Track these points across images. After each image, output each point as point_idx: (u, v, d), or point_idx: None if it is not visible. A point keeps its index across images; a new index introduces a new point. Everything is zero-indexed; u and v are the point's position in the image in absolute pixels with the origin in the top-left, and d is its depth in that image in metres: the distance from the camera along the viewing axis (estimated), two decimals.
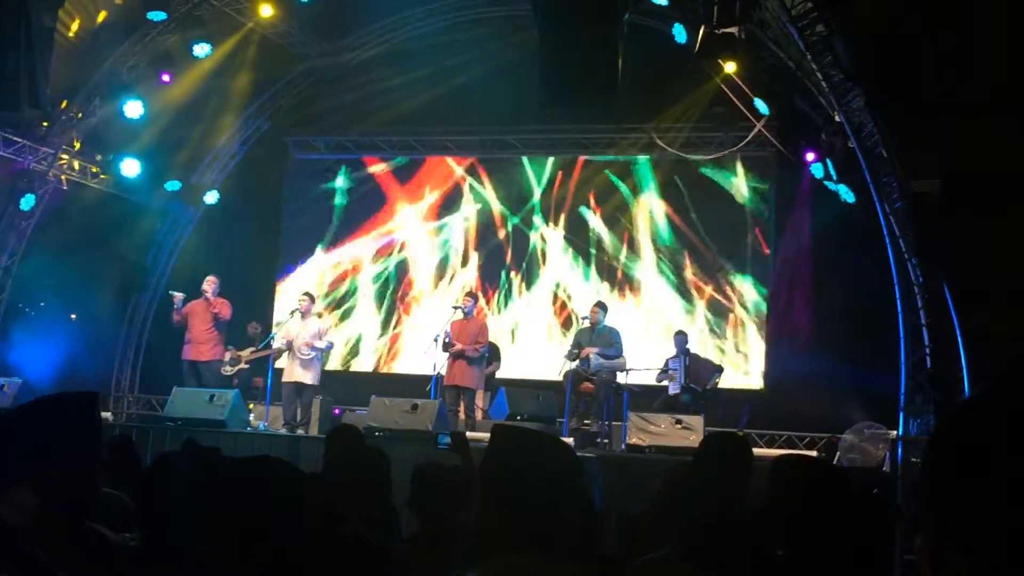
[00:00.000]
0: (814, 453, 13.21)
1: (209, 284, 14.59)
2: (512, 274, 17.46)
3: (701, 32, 11.79)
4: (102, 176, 16.15)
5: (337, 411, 14.99)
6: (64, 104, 15.21)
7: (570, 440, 12.56)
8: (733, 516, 3.58)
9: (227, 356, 15.12)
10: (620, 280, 16.89)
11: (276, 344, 14.59)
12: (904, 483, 11.83)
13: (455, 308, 14.43)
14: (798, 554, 3.18)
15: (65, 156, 15.68)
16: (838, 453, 12.57)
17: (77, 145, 15.72)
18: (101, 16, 14.85)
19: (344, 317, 18.04)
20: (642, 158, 16.87)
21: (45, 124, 15.01)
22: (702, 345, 15.80)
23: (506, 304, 17.40)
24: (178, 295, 14.68)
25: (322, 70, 17.23)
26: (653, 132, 16.26)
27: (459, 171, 17.92)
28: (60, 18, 13.35)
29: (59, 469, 3.11)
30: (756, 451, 10.07)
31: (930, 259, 11.91)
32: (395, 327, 17.89)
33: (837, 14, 11.74)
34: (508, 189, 17.64)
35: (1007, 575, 1.21)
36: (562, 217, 17.30)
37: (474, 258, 17.68)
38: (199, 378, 14.50)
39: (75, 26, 14.46)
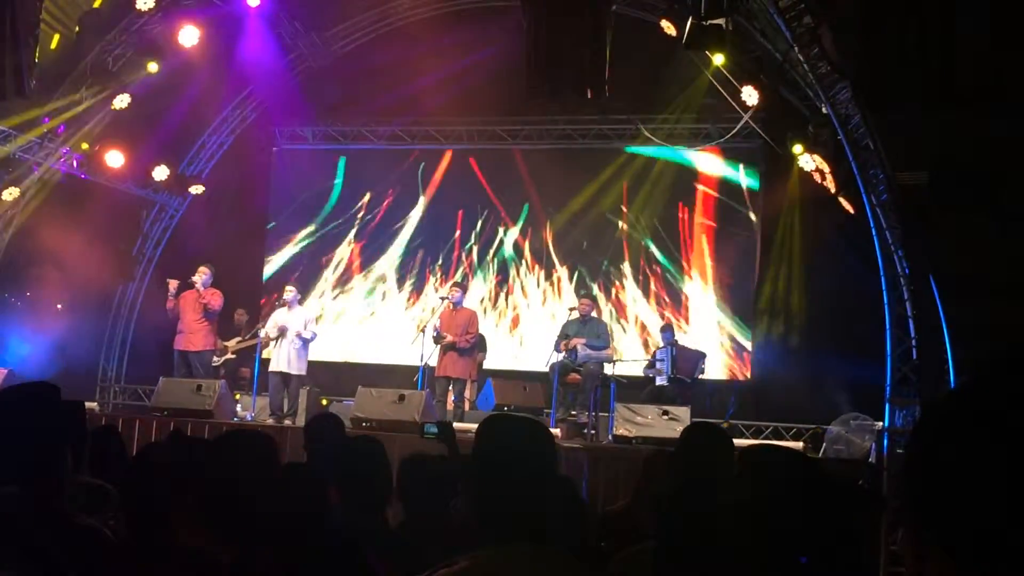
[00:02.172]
0: (799, 444, 13.25)
1: (199, 274, 14.52)
2: (500, 264, 17.46)
3: (689, 23, 11.79)
4: (88, 165, 16.07)
5: (326, 402, 15.00)
6: (50, 93, 15.13)
7: (557, 431, 12.60)
8: (715, 510, 3.58)
9: (216, 347, 15.10)
10: (610, 272, 16.89)
11: (262, 334, 14.57)
12: (890, 474, 11.88)
13: (443, 299, 14.44)
14: (776, 546, 3.18)
15: (51, 145, 15.59)
16: (824, 444, 12.62)
17: (63, 135, 15.63)
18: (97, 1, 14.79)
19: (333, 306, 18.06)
20: (629, 148, 16.86)
21: (31, 114, 14.92)
22: (689, 336, 15.83)
23: (495, 294, 17.40)
24: (173, 283, 14.64)
25: (310, 60, 17.17)
26: (640, 123, 16.27)
27: (447, 160, 17.91)
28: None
29: (30, 457, 3.11)
30: (742, 442, 10.10)
31: (916, 251, 11.95)
32: (385, 317, 17.90)
33: (824, 6, 11.76)
34: (497, 179, 17.62)
35: (991, 573, 1.21)
36: (552, 209, 17.28)
37: (462, 248, 17.66)
38: (189, 368, 14.47)
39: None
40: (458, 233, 17.70)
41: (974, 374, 1.30)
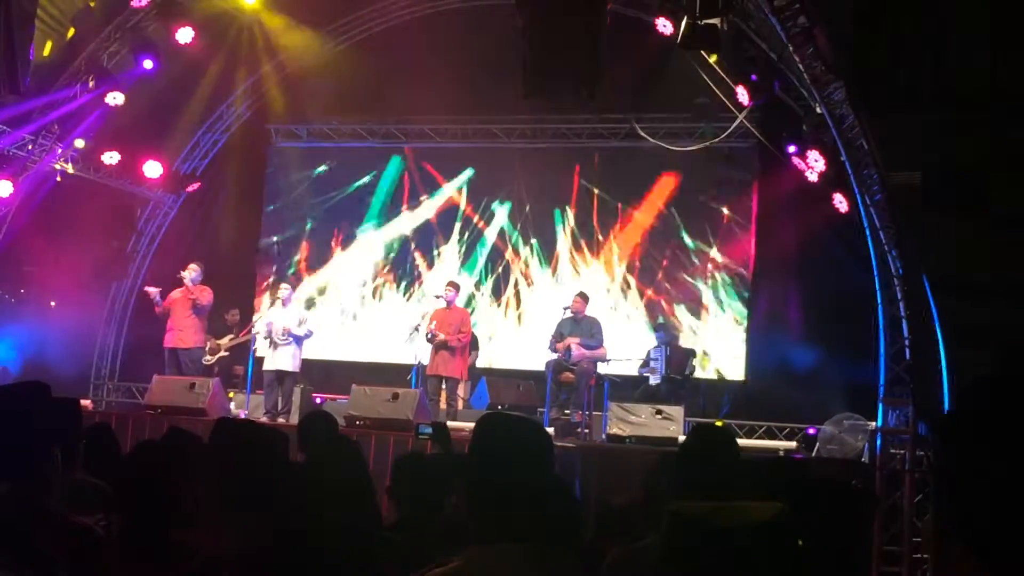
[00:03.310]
0: (793, 444, 13.28)
1: (189, 271, 14.51)
2: (492, 263, 17.45)
3: (684, 23, 11.79)
4: (83, 162, 16.05)
5: (320, 399, 15.00)
6: (44, 90, 15.10)
7: (550, 430, 12.61)
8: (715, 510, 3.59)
9: (207, 345, 15.08)
10: (601, 271, 16.89)
11: (256, 331, 14.56)
12: (882, 474, 11.90)
13: (437, 297, 14.44)
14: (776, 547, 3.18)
15: (45, 142, 15.56)
16: (817, 444, 12.64)
17: (58, 132, 15.59)
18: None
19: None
20: (622, 147, 16.85)
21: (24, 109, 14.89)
22: (684, 336, 15.85)
23: (488, 294, 17.40)
24: (153, 291, 14.58)
25: (305, 57, 17.14)
26: (635, 123, 16.26)
27: (440, 156, 17.92)
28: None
29: (19, 456, 3.11)
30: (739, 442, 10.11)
31: (910, 251, 11.96)
32: (379, 314, 17.90)
33: (819, 6, 11.76)
34: (492, 178, 17.61)
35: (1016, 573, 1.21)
36: (546, 208, 17.29)
37: (456, 247, 17.65)
38: (179, 366, 14.46)
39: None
40: (448, 229, 17.70)
41: (1001, 375, 1.30)
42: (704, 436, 4.90)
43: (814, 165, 13.27)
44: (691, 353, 14.72)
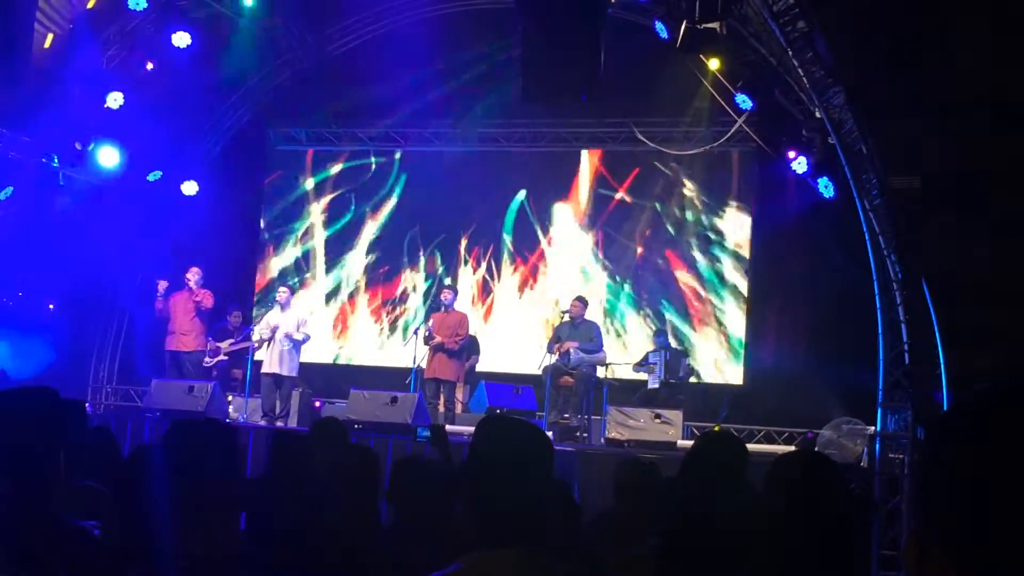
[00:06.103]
0: (791, 448, 13.27)
1: (192, 274, 14.62)
2: (492, 266, 17.45)
3: (683, 27, 11.80)
4: (81, 165, 16.02)
5: (319, 403, 14.99)
6: (43, 93, 15.07)
7: (549, 434, 12.58)
8: (723, 514, 3.60)
9: (207, 348, 15.09)
10: (600, 274, 16.89)
11: (256, 335, 14.57)
12: (881, 479, 11.90)
13: (436, 300, 14.47)
14: (785, 551, 3.19)
15: (44, 145, 15.53)
16: (816, 449, 12.64)
17: (56, 134, 15.56)
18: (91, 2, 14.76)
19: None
20: (622, 151, 16.87)
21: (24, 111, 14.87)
22: (683, 339, 15.85)
23: (486, 297, 17.40)
24: (163, 283, 14.71)
25: (304, 61, 17.13)
26: (634, 127, 16.27)
27: (439, 160, 17.92)
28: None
29: (23, 460, 3.11)
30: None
31: (909, 256, 11.96)
32: (378, 319, 17.89)
33: (818, 11, 11.77)
34: (490, 181, 17.60)
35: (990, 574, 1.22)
36: (545, 212, 17.28)
37: (453, 250, 17.65)
38: (180, 369, 14.48)
39: None
40: (447, 231, 17.70)
41: (988, 384, 1.31)
42: (712, 444, 4.92)
43: (812, 170, 13.28)
44: (685, 354, 14.73)
